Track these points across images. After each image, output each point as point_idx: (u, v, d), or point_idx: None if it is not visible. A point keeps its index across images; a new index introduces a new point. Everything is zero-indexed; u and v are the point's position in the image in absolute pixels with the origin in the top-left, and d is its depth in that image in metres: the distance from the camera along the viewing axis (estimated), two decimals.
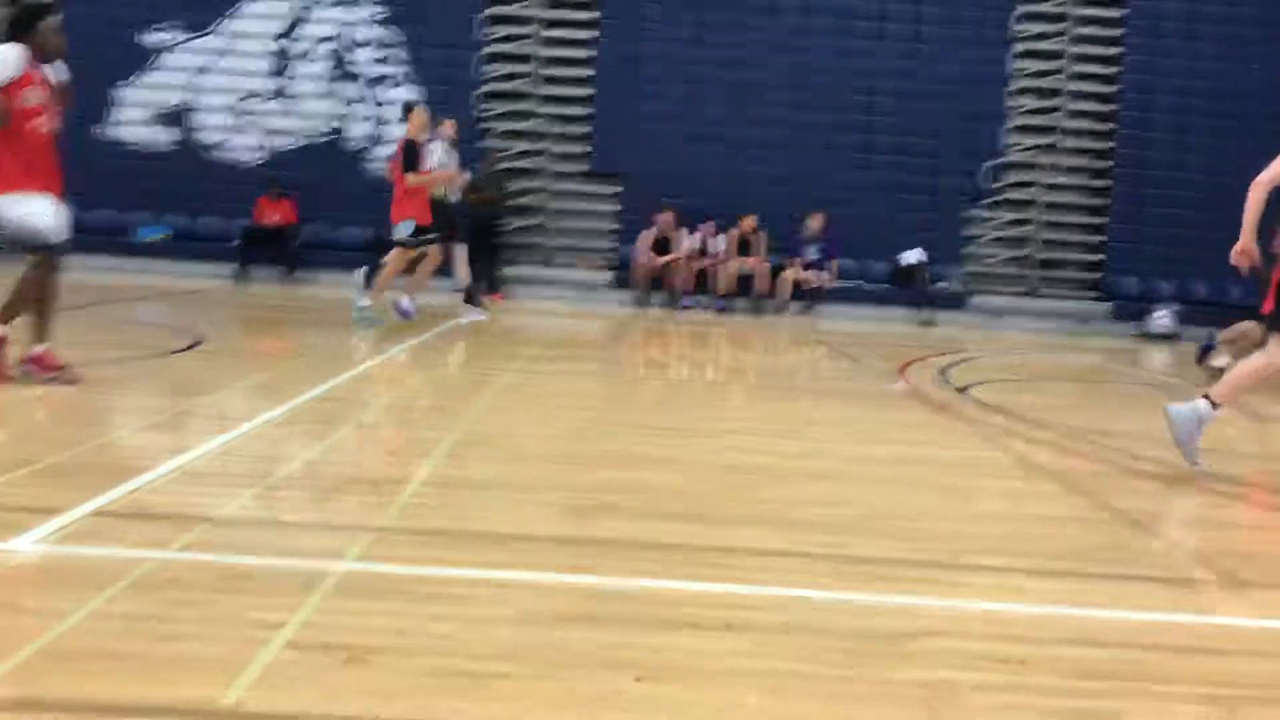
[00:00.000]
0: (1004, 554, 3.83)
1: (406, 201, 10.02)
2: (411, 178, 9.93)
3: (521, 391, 7.19)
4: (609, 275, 16.09)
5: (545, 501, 4.18)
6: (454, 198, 11.22)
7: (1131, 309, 16.06)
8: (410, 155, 10.01)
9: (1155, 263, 16.44)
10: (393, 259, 10.16)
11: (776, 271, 15.58)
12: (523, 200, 16.52)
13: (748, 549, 3.67)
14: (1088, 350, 13.25)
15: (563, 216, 16.74)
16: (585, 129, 16.83)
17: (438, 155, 10.64)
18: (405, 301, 10.12)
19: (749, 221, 15.71)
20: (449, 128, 11.18)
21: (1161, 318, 15.72)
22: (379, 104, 16.50)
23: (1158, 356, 13.29)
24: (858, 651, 2.80)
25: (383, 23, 16.57)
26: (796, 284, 15.61)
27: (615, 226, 16.70)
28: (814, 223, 15.78)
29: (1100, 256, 16.84)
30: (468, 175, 11.89)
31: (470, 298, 11.56)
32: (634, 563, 3.44)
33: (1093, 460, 5.80)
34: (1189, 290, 16.19)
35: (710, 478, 4.76)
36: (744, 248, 15.75)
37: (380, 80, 16.55)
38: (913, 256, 16.12)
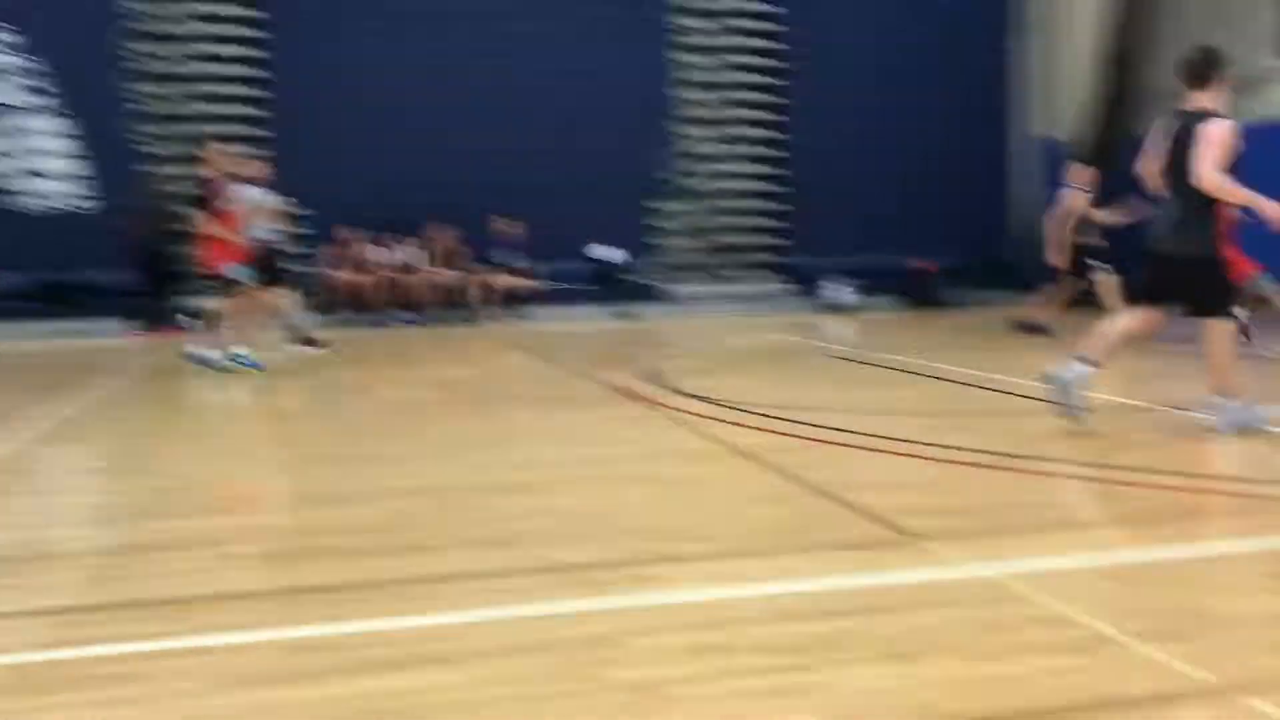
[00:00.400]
0: (705, 540, 3.98)
1: (220, 243, 9.52)
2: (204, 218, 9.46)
3: (217, 435, 6.80)
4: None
5: (241, 554, 3.97)
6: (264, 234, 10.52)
7: (812, 285, 17.15)
8: (210, 194, 9.52)
9: (831, 240, 17.61)
10: (234, 304, 9.60)
11: (478, 280, 15.54)
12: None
13: (458, 574, 3.63)
14: (776, 329, 14.01)
15: None
16: (262, 150, 16.14)
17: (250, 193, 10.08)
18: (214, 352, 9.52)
19: (445, 231, 15.57)
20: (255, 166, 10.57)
21: (839, 291, 16.89)
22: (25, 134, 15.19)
23: (842, 329, 14.22)
24: (567, 662, 2.82)
25: (19, 50, 15.23)
26: (498, 290, 15.63)
27: (302, 250, 16.10)
28: (509, 228, 15.85)
29: (780, 240, 17.89)
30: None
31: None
32: (338, 607, 3.32)
33: (787, 435, 6.12)
34: (861, 263, 17.48)
35: (415, 505, 4.66)
36: (440, 258, 15.61)
37: (22, 109, 15.23)
38: (608, 253, 16.52)
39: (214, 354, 9.53)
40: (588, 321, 15.44)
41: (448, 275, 15.50)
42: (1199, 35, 17.63)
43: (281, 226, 10.89)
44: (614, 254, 16.47)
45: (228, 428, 7.18)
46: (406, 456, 5.85)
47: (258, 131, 15.79)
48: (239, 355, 9.47)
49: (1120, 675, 2.67)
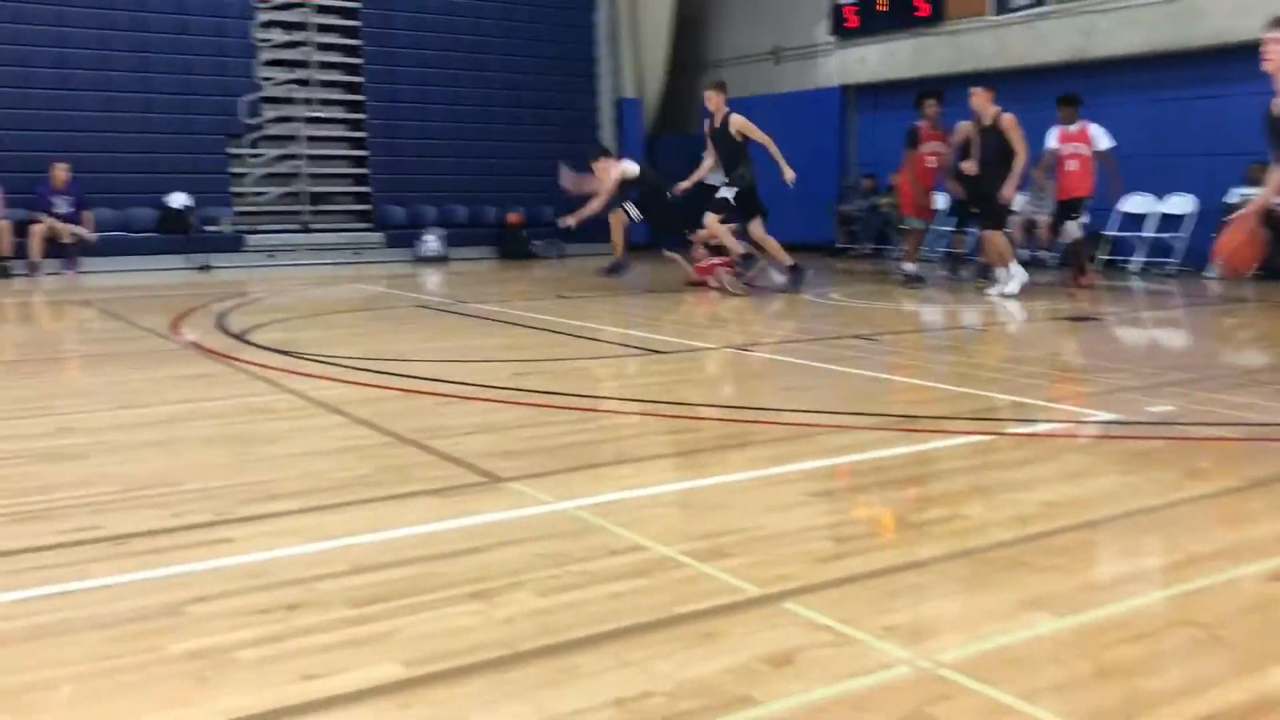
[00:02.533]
0: (279, 499, 3.80)
1: None
2: None
3: None
4: None
5: None
6: None
7: (402, 236, 16.91)
8: None
9: (418, 190, 17.42)
10: None
11: (40, 229, 13.90)
12: None
13: None
14: (366, 280, 13.68)
15: None
16: None
17: None
18: None
19: None
20: None
21: (430, 242, 16.78)
22: None
23: (431, 278, 14.14)
24: (123, 638, 2.58)
25: None
26: (51, 240, 14.08)
27: None
28: (59, 173, 14.28)
29: (366, 188, 17.43)
30: None
31: None
32: None
33: (371, 386, 5.99)
34: (451, 214, 17.46)
35: None
36: None
37: None
38: (178, 200, 15.33)
39: None
40: (159, 274, 14.30)
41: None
42: (758, 10, 19.21)
43: None
44: (183, 199, 15.30)
45: None
46: None
47: None
48: None
49: (680, 593, 2.85)
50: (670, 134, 19.39)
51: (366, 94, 17.36)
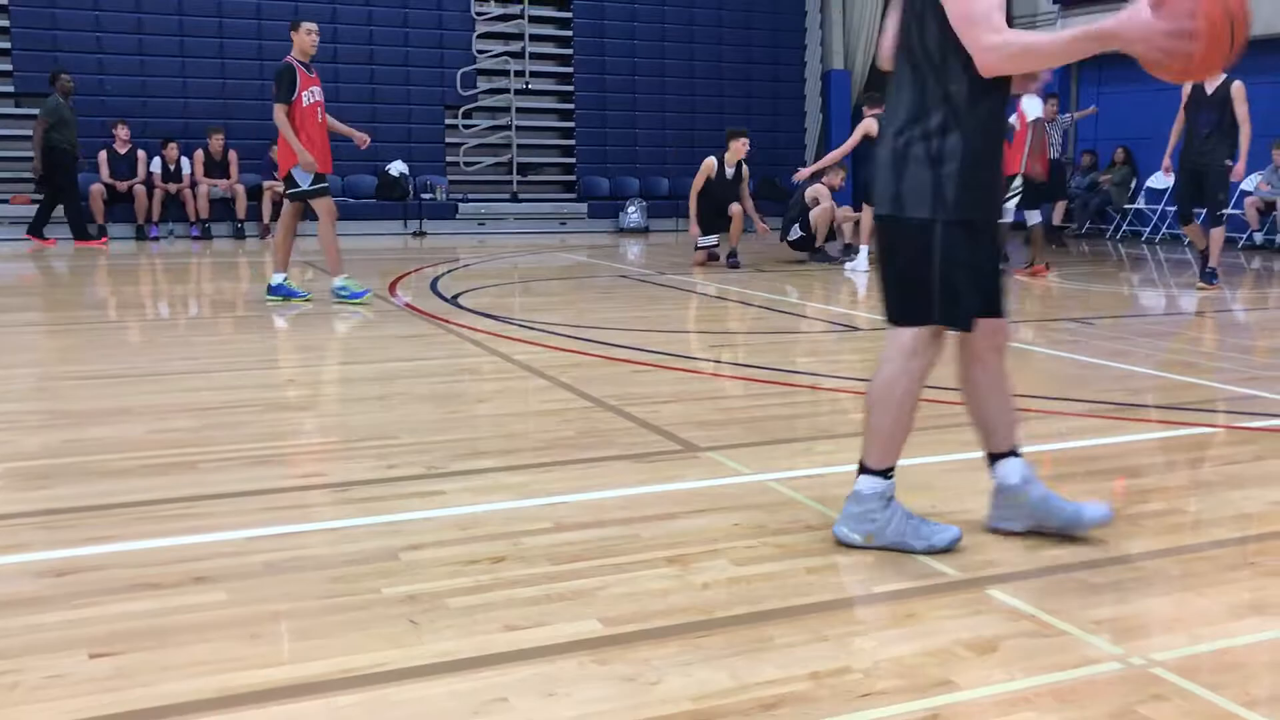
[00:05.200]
0: (487, 456, 3.95)
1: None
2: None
3: None
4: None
5: None
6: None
7: (605, 207, 17.18)
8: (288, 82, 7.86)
9: (622, 163, 17.65)
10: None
11: (257, 192, 14.80)
12: None
13: (221, 494, 3.47)
14: (569, 249, 13.98)
15: None
16: (3, 44, 14.85)
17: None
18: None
19: (217, 139, 14.72)
20: None
21: (632, 213, 17.01)
22: None
23: (632, 249, 14.33)
24: (341, 579, 2.75)
25: None
26: (276, 205, 14.94)
27: None
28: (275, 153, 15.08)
29: (572, 160, 17.77)
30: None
31: None
32: (88, 529, 3.13)
33: (575, 353, 6.14)
34: (654, 186, 17.63)
35: (181, 424, 4.43)
36: (216, 168, 14.78)
37: None
38: (396, 168, 16.02)
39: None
40: (378, 239, 15.02)
41: (225, 186, 14.72)
42: None
43: None
44: (400, 168, 15.98)
45: None
46: (168, 373, 5.54)
47: None
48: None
49: (878, 572, 2.82)
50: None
51: (575, 67, 17.67)
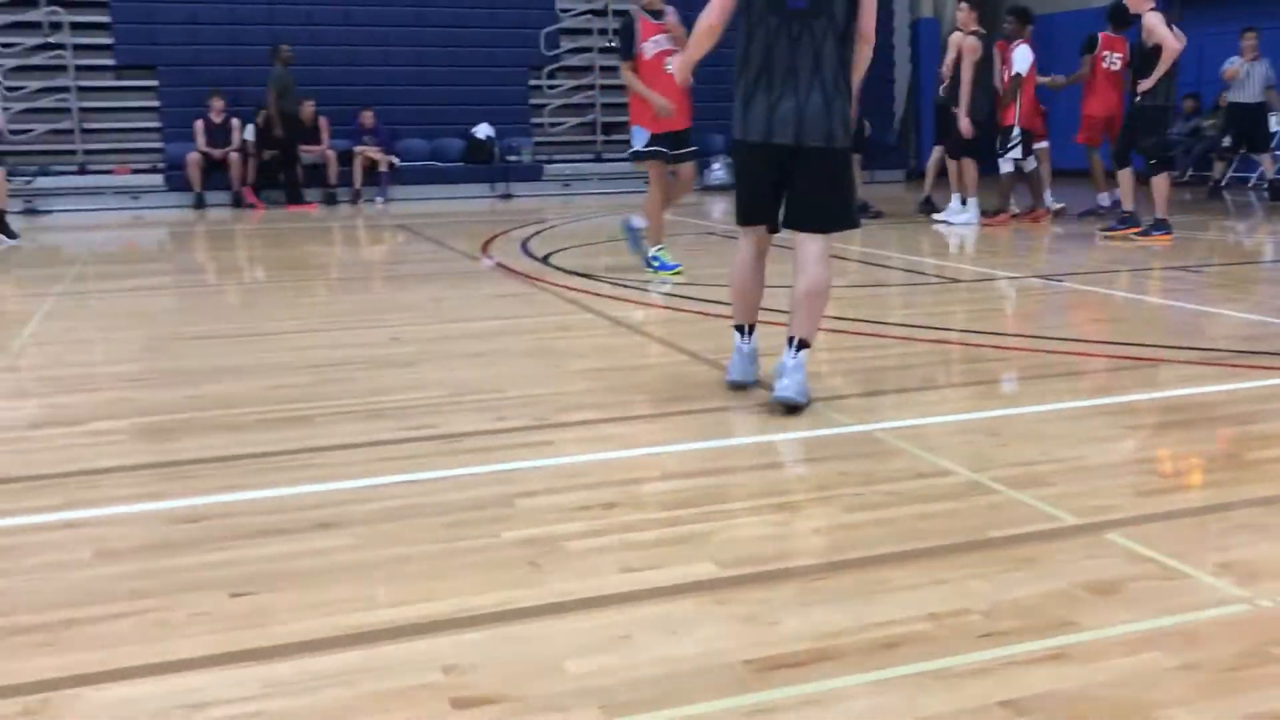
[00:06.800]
0: (591, 408, 4.00)
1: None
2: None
3: (70, 316, 6.50)
4: (158, 178, 14.86)
5: (114, 430, 3.84)
6: None
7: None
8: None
9: (706, 119, 17.49)
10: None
11: (346, 158, 15.02)
12: (45, 103, 14.77)
13: (338, 445, 3.57)
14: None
15: (92, 116, 15.12)
16: (103, 18, 15.24)
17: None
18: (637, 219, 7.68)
19: (308, 107, 14.94)
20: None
21: (716, 170, 16.89)
22: None
23: (718, 206, 14.25)
24: (459, 524, 2.82)
25: None
26: (367, 170, 15.17)
27: (157, 124, 15.37)
28: (366, 118, 15.26)
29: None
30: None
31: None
32: (215, 479, 3.25)
33: (670, 309, 6.16)
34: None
35: (293, 380, 4.56)
36: (307, 135, 15.02)
37: None
38: (483, 131, 16.12)
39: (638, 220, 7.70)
40: (465, 201, 15.16)
41: (317, 152, 14.96)
42: None
43: None
44: (486, 130, 16.07)
45: (83, 308, 6.86)
46: (280, 333, 5.70)
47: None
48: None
49: (993, 517, 2.80)
50: None
51: None
